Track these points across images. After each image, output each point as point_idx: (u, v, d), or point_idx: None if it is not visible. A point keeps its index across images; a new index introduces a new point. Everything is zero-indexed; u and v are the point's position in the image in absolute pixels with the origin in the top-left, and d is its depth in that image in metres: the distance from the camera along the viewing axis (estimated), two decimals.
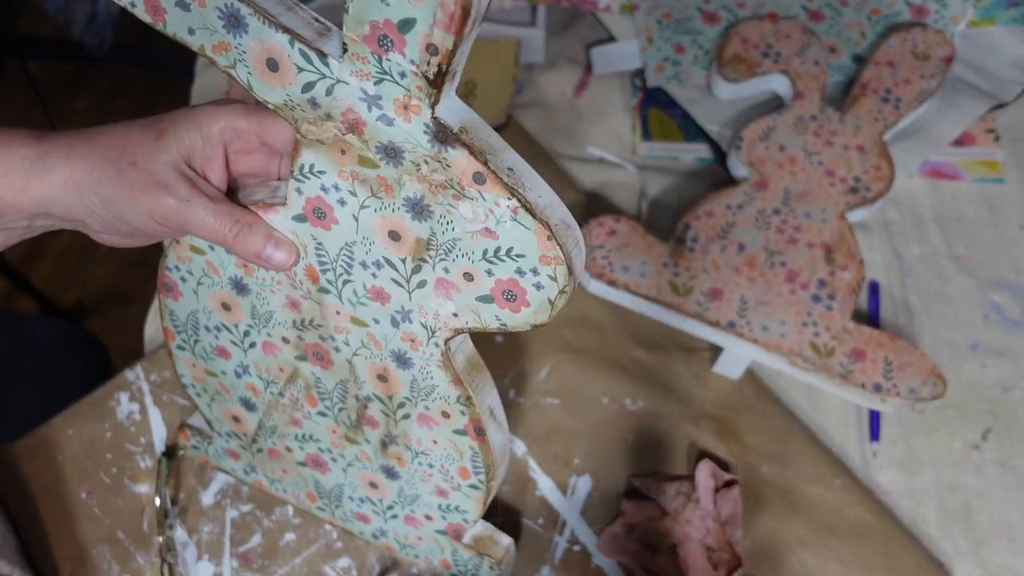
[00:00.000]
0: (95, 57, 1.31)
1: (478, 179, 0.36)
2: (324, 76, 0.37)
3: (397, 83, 0.35)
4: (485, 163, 0.36)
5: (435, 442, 0.47)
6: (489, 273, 0.39)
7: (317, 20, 0.37)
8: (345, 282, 0.43)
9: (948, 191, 0.66)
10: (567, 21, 0.76)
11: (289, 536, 0.55)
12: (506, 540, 0.51)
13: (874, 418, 0.57)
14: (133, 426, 0.58)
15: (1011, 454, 0.57)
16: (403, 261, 0.40)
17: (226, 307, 0.47)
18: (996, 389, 0.59)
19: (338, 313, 0.44)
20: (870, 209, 0.63)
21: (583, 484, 0.56)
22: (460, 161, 0.36)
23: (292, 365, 0.48)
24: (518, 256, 0.38)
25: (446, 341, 0.42)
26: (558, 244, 0.37)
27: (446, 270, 0.40)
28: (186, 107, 0.41)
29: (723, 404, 0.58)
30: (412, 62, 0.34)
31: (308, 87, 0.37)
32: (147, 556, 0.54)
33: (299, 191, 0.40)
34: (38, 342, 0.77)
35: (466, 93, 0.69)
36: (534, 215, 0.36)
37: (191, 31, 0.38)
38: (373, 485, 0.51)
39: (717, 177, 0.67)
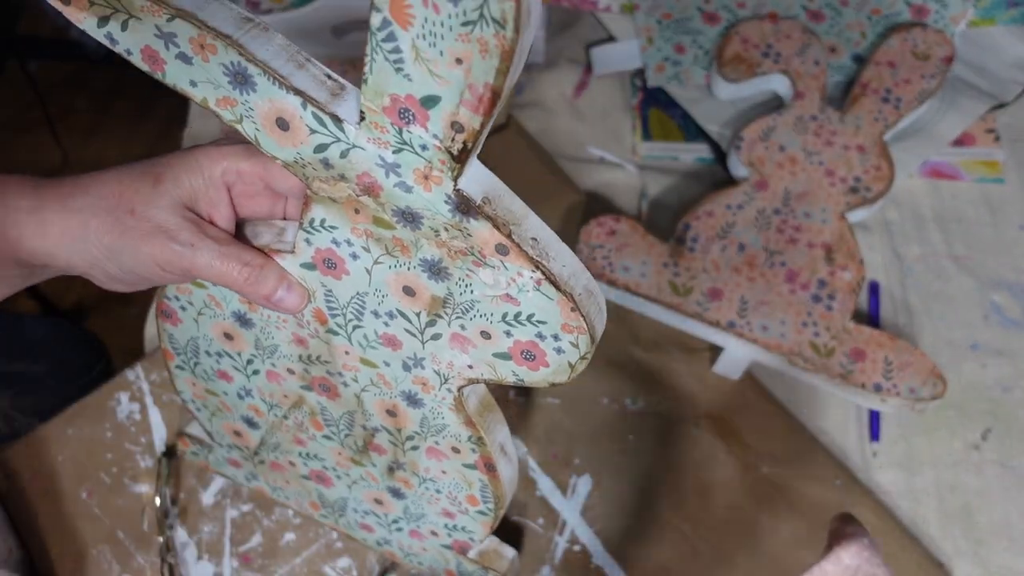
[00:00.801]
0: (95, 57, 1.31)
1: (501, 250, 0.35)
2: (339, 140, 0.34)
3: (418, 155, 0.33)
4: (508, 235, 0.34)
5: (444, 472, 0.46)
6: (508, 334, 0.37)
7: (330, 77, 0.35)
8: (355, 327, 0.41)
9: (948, 191, 0.66)
10: (567, 21, 0.76)
11: (289, 536, 0.55)
12: (510, 553, 0.51)
13: (874, 418, 0.57)
14: (133, 426, 0.58)
15: (1011, 454, 0.57)
16: (417, 315, 0.39)
17: (228, 337, 0.46)
18: (996, 389, 0.59)
19: (347, 353, 0.43)
20: (870, 209, 0.63)
21: (583, 484, 0.56)
22: (482, 232, 0.34)
23: (297, 393, 0.47)
24: (539, 322, 0.37)
25: (459, 388, 0.41)
26: (581, 315, 0.35)
27: (462, 327, 0.38)
28: (183, 150, 0.40)
29: (723, 404, 0.58)
30: (435, 136, 0.33)
31: (321, 148, 0.35)
32: (147, 556, 0.54)
33: (308, 242, 0.39)
34: (38, 342, 0.77)
35: None
36: (558, 287, 0.35)
37: (193, 83, 0.36)
38: (379, 502, 0.51)
39: (717, 177, 0.67)
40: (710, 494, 0.55)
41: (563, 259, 0.35)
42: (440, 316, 0.38)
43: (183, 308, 0.45)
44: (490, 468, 0.44)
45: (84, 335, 0.80)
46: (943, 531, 0.54)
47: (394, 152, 0.34)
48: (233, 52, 0.34)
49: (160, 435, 0.58)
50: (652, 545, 0.54)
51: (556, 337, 0.37)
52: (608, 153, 0.69)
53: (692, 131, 0.69)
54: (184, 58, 0.35)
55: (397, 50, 0.32)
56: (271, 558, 0.54)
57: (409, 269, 0.37)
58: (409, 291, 0.38)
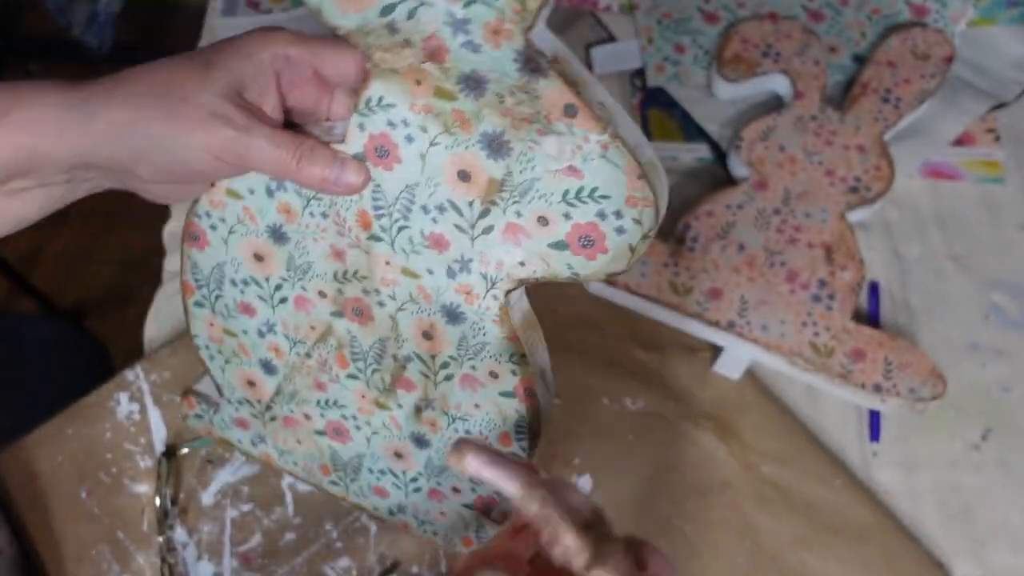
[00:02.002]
0: (95, 57, 1.31)
1: (569, 111, 0.34)
2: None
3: (490, 5, 0.32)
4: (578, 94, 0.33)
5: (477, 406, 0.43)
6: (567, 216, 0.36)
7: None
8: (401, 228, 0.40)
9: (948, 191, 0.66)
10: (567, 21, 0.76)
11: (289, 536, 0.55)
12: None
13: (874, 418, 0.57)
14: (133, 426, 0.58)
15: (1011, 454, 0.57)
16: (470, 204, 0.38)
17: (259, 258, 0.44)
18: (996, 389, 0.59)
19: (387, 263, 0.41)
20: (870, 209, 0.63)
21: (583, 484, 0.56)
22: (551, 92, 0.33)
23: (326, 322, 0.44)
24: (602, 197, 0.35)
25: (506, 294, 0.39)
26: (648, 183, 0.33)
27: (518, 214, 0.37)
28: (230, 37, 0.38)
29: (723, 404, 0.58)
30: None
31: (388, 10, 0.35)
32: (147, 556, 0.54)
33: (362, 127, 0.38)
34: (38, 342, 0.77)
35: None
36: (627, 149, 0.33)
37: None
38: (398, 455, 0.48)
39: (717, 177, 0.67)
40: (710, 494, 0.55)
41: (629, 127, 0.34)
42: (495, 203, 0.37)
43: (213, 227, 0.44)
44: (530, 395, 0.42)
45: (84, 335, 0.80)
46: (943, 531, 0.54)
47: (464, 6, 0.33)
48: None
49: (160, 435, 0.58)
50: None
51: (618, 214, 0.35)
52: None
53: (692, 131, 0.69)
54: None
55: None
56: (271, 558, 0.54)
57: (467, 148, 0.36)
58: (464, 176, 0.37)
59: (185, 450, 0.57)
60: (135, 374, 0.60)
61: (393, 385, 0.45)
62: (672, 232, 0.61)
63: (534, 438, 0.43)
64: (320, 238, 0.42)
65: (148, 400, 0.59)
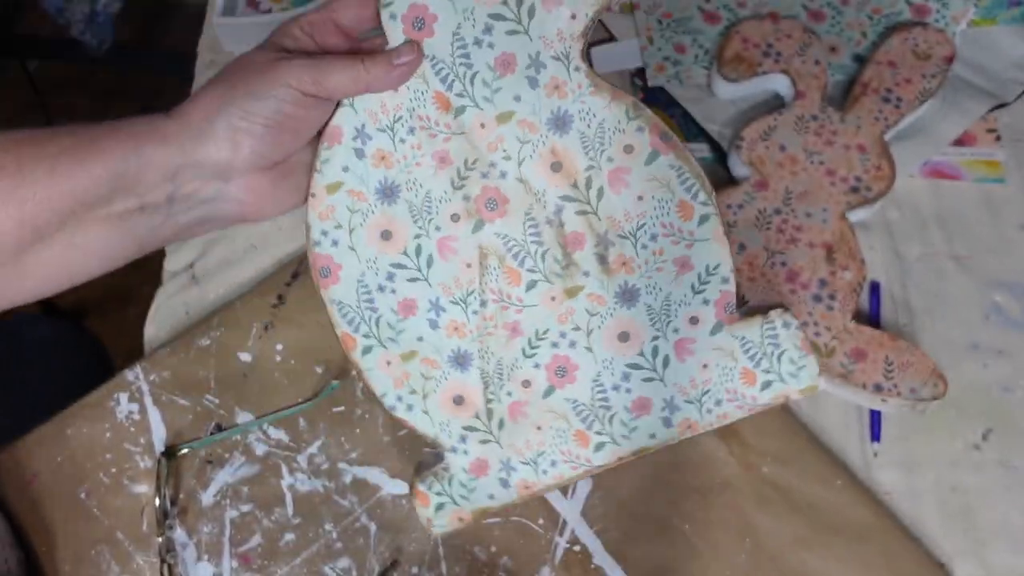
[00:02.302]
0: (94, 57, 1.31)
1: None
2: None
3: None
4: None
5: (640, 198, 0.43)
6: None
7: None
8: (472, 77, 0.42)
9: (949, 191, 0.66)
10: None
11: (289, 536, 0.55)
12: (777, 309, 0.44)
13: (874, 418, 0.57)
14: (132, 426, 0.58)
15: (1012, 454, 0.57)
16: (504, 2, 0.41)
17: (386, 236, 0.44)
18: (997, 389, 0.59)
19: (483, 126, 0.43)
20: (871, 209, 0.62)
21: (583, 484, 0.56)
22: None
23: (475, 247, 0.44)
24: None
25: (581, 54, 0.41)
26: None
27: None
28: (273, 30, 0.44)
29: None
30: None
31: None
32: (147, 556, 0.54)
33: (392, 15, 0.42)
34: (38, 342, 0.77)
35: None
36: None
37: None
38: (624, 337, 0.44)
39: (717, 177, 0.67)
40: (710, 494, 0.55)
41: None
42: None
43: (335, 243, 0.44)
44: (666, 137, 0.42)
45: (84, 335, 0.80)
46: (944, 531, 0.54)
47: None
48: None
49: (159, 435, 0.58)
50: (652, 545, 0.54)
51: None
52: None
53: (692, 131, 0.69)
54: None
55: None
56: (270, 558, 0.54)
57: None
58: None
59: (185, 450, 0.57)
60: (135, 374, 0.60)
61: (566, 253, 0.44)
62: None
63: (703, 181, 0.42)
64: (420, 158, 0.43)
65: (148, 400, 0.59)
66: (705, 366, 0.44)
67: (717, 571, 0.53)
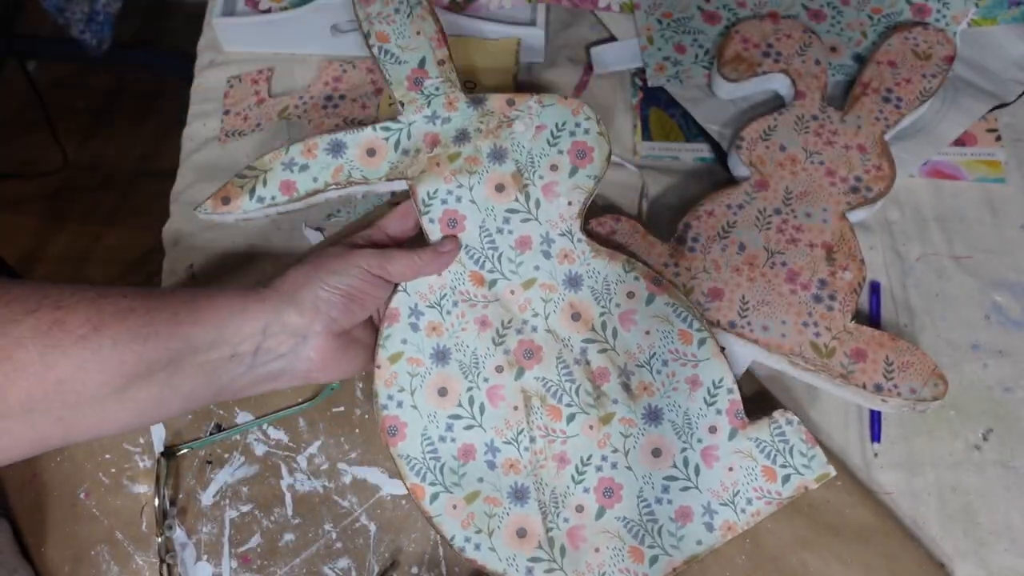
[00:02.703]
0: (94, 57, 1.31)
1: (510, 103, 0.56)
2: (401, 128, 0.56)
3: (436, 95, 0.56)
4: (506, 93, 0.57)
5: (647, 333, 0.52)
6: (560, 152, 0.55)
7: (365, 107, 0.61)
8: (499, 257, 0.53)
9: (949, 191, 0.66)
10: (567, 21, 0.75)
11: (288, 536, 0.55)
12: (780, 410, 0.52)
13: (875, 418, 0.57)
14: (165, 421, 0.58)
15: (1012, 454, 0.56)
16: (516, 200, 0.54)
17: (443, 392, 0.52)
18: (997, 389, 0.59)
19: (512, 292, 0.53)
20: (871, 209, 0.62)
21: None
22: (494, 102, 0.56)
23: (519, 391, 0.52)
24: (562, 125, 0.55)
25: (582, 229, 0.54)
26: (567, 97, 0.56)
27: (541, 176, 0.55)
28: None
29: None
30: (437, 77, 0.57)
31: (396, 146, 0.55)
32: (146, 556, 0.54)
33: (431, 220, 0.54)
34: None
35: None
36: (549, 94, 0.56)
37: (315, 180, 0.55)
38: (657, 453, 0.51)
39: (717, 177, 0.67)
40: None
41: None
42: (527, 183, 0.54)
43: (400, 404, 0.52)
44: (656, 282, 0.54)
45: None
46: (944, 531, 0.54)
47: (427, 106, 0.56)
48: (327, 137, 0.56)
49: (159, 435, 0.58)
50: None
51: (578, 125, 0.56)
52: None
53: (692, 131, 0.69)
54: (301, 167, 0.55)
55: (390, 54, 0.57)
56: (270, 559, 0.54)
57: (487, 172, 0.55)
58: (500, 188, 0.54)
59: (184, 451, 0.56)
60: None
61: (596, 387, 0.51)
62: (672, 232, 0.61)
63: (695, 310, 0.53)
64: (465, 325, 0.53)
65: None
66: (731, 469, 0.51)
67: (717, 571, 0.52)
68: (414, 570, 0.54)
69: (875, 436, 0.57)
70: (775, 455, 0.51)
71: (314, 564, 0.54)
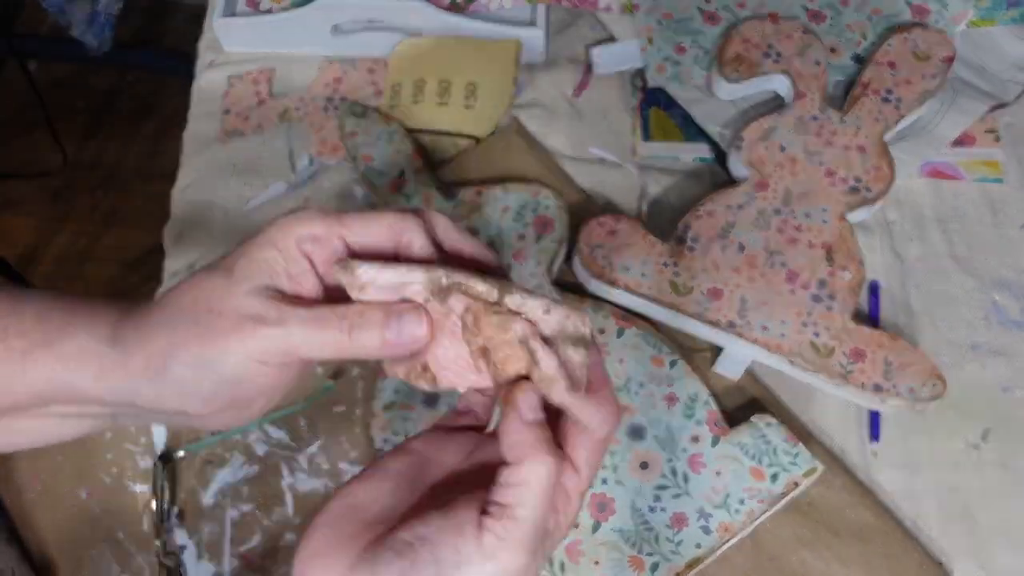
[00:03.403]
0: (94, 57, 1.31)
1: (478, 193, 0.62)
2: None
3: (416, 194, 0.62)
4: (474, 184, 0.63)
5: (621, 361, 0.55)
6: (526, 224, 0.61)
7: None
8: None
9: (949, 191, 0.66)
10: (567, 21, 0.75)
11: (289, 536, 0.55)
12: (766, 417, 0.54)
13: (874, 418, 0.57)
14: (133, 427, 0.58)
15: (1011, 454, 0.57)
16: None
17: None
18: (996, 389, 0.59)
19: None
20: (870, 209, 0.62)
21: None
22: (465, 193, 0.62)
23: None
24: (524, 205, 0.61)
25: (551, 284, 0.58)
26: (532, 183, 0.63)
27: (510, 246, 0.59)
28: (258, 230, 0.35)
29: (723, 404, 0.58)
30: (415, 183, 0.63)
31: None
32: (147, 556, 0.54)
33: None
34: None
35: (467, 95, 0.69)
36: (515, 183, 0.63)
37: None
38: (644, 466, 0.53)
39: (717, 177, 0.67)
40: None
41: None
42: (498, 254, 0.57)
43: (386, 441, 0.54)
44: (624, 318, 0.57)
45: None
46: (943, 531, 0.54)
47: (408, 203, 0.62)
48: None
49: (160, 436, 0.58)
50: None
51: (537, 203, 0.62)
52: (608, 153, 0.69)
53: (692, 131, 0.69)
54: None
55: (374, 170, 0.64)
56: (271, 558, 0.54)
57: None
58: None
59: (181, 453, 0.57)
60: None
61: None
62: (672, 232, 0.61)
63: (664, 340, 0.56)
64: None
65: None
66: (718, 473, 0.52)
67: (717, 571, 0.53)
68: None
69: (874, 436, 0.57)
70: (760, 456, 0.53)
71: None
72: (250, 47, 0.74)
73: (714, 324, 0.57)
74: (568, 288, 0.61)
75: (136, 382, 0.33)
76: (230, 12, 0.73)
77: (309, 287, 0.35)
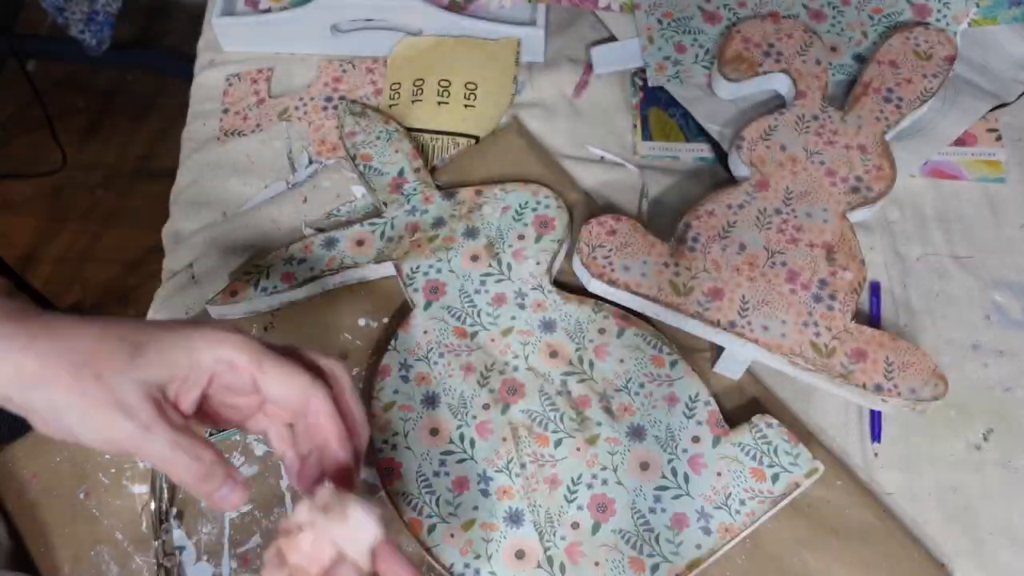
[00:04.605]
0: (94, 57, 1.31)
1: (477, 192, 0.63)
2: (384, 223, 0.62)
3: (416, 194, 0.63)
4: (474, 184, 0.64)
5: (621, 361, 0.56)
6: (525, 224, 0.61)
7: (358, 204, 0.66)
8: (478, 312, 0.58)
9: (950, 191, 0.66)
10: (567, 20, 0.75)
11: None
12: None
13: (875, 418, 0.57)
14: None
15: (1013, 454, 0.56)
16: (490, 266, 0.59)
17: (434, 432, 0.54)
18: (998, 389, 0.59)
19: (492, 340, 0.57)
20: (871, 209, 0.62)
21: None
22: (464, 193, 0.63)
23: (506, 424, 0.54)
24: (525, 204, 0.62)
25: (550, 280, 0.59)
26: (532, 183, 0.63)
27: (510, 245, 0.60)
28: (183, 323, 0.37)
29: (723, 404, 0.57)
30: (415, 181, 0.63)
31: (382, 235, 0.61)
32: (146, 557, 0.54)
33: (415, 289, 0.59)
34: None
35: (467, 94, 0.69)
36: (513, 183, 0.63)
37: (311, 269, 0.60)
38: (644, 466, 0.53)
39: (718, 177, 0.67)
40: None
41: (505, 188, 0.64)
42: (498, 252, 0.60)
43: (394, 447, 0.54)
44: (624, 318, 0.58)
45: None
46: (944, 531, 0.54)
47: (407, 203, 0.63)
48: (321, 236, 0.62)
49: None
50: None
51: (539, 203, 0.62)
52: (608, 152, 0.69)
53: (693, 130, 0.69)
54: (298, 260, 0.61)
55: (373, 169, 0.64)
56: None
57: (462, 247, 0.60)
58: (475, 257, 0.60)
59: None
60: None
61: (579, 412, 0.54)
62: (672, 232, 0.61)
63: (664, 338, 0.57)
64: (452, 372, 0.56)
65: None
66: (719, 474, 0.52)
67: (717, 572, 0.52)
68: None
69: (875, 436, 0.57)
70: (761, 456, 0.53)
71: None
72: (249, 47, 0.74)
73: (714, 324, 0.57)
74: (568, 288, 0.60)
75: (0, 384, 0.35)
76: (229, 12, 0.73)
77: (189, 400, 0.36)
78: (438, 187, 0.63)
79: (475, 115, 0.68)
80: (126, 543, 0.55)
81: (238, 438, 0.57)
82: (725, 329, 0.57)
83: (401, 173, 0.63)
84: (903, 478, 0.56)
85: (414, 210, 0.62)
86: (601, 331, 0.57)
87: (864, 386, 0.55)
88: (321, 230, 0.64)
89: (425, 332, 0.57)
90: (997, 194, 0.66)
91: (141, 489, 0.56)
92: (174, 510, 0.55)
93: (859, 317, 0.60)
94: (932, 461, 0.56)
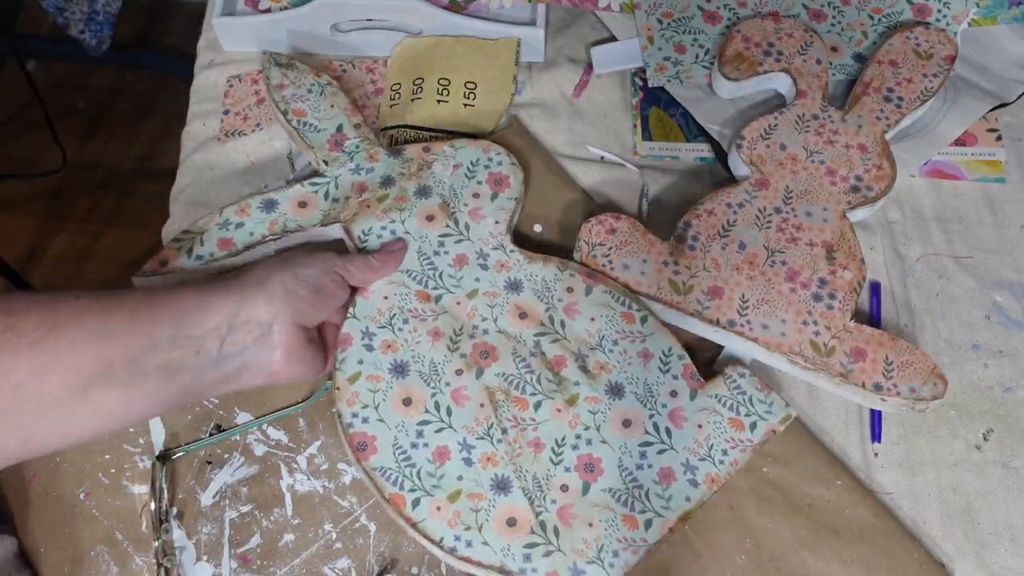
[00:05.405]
0: (94, 56, 1.31)
1: (425, 149, 0.62)
2: (327, 182, 0.60)
3: (357, 151, 0.61)
4: (421, 140, 0.63)
5: (592, 319, 0.56)
6: (479, 182, 0.60)
7: (301, 166, 0.65)
8: (440, 275, 0.57)
9: (950, 190, 0.66)
10: (567, 20, 0.75)
11: (288, 537, 0.55)
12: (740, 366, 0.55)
13: (875, 418, 0.57)
14: (132, 427, 0.58)
15: (1013, 454, 0.56)
16: (447, 226, 0.58)
17: (407, 402, 0.53)
18: (998, 389, 0.58)
19: (458, 303, 0.56)
20: (871, 208, 0.62)
21: None
22: (412, 150, 0.62)
23: (482, 389, 0.53)
24: (476, 162, 0.61)
25: (511, 241, 0.58)
26: (478, 137, 0.63)
27: (465, 204, 0.59)
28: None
29: None
30: (356, 138, 0.62)
31: (326, 196, 0.59)
32: (146, 557, 0.54)
33: (379, 236, 0.58)
34: None
35: (467, 93, 0.69)
36: (460, 137, 0.63)
37: (251, 234, 0.58)
38: (627, 424, 0.53)
39: (718, 176, 0.67)
40: None
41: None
42: (454, 212, 0.59)
43: (365, 420, 0.53)
44: (590, 275, 0.57)
45: None
46: (944, 532, 0.54)
47: (351, 161, 0.61)
48: (257, 197, 0.60)
49: (158, 436, 0.58)
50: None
51: (490, 159, 0.61)
52: (608, 152, 0.69)
53: (693, 130, 0.69)
54: (235, 224, 0.59)
55: (308, 124, 0.62)
56: (270, 559, 0.54)
57: (415, 206, 0.59)
58: (430, 218, 0.59)
59: (180, 454, 0.56)
60: None
61: (556, 373, 0.54)
62: (672, 231, 0.61)
63: (629, 296, 0.57)
64: (419, 338, 0.55)
65: None
66: (700, 426, 0.53)
67: (717, 572, 0.52)
68: (414, 570, 0.54)
69: (875, 436, 0.57)
70: (737, 406, 0.53)
71: (314, 564, 0.54)
72: (250, 47, 0.74)
73: (714, 323, 0.57)
74: (529, 247, 0.60)
75: (253, 289, 0.48)
76: (229, 12, 0.73)
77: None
78: (382, 145, 0.62)
79: (475, 114, 0.68)
80: (126, 543, 0.55)
81: (238, 438, 0.57)
82: (725, 328, 0.57)
83: (340, 129, 0.61)
84: (903, 478, 0.56)
85: (359, 168, 0.60)
86: (569, 290, 0.56)
87: (863, 385, 0.55)
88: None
89: (385, 298, 0.56)
90: (997, 194, 0.66)
91: (141, 489, 0.56)
92: (174, 510, 0.55)
93: (859, 317, 0.60)
94: (932, 461, 0.56)
